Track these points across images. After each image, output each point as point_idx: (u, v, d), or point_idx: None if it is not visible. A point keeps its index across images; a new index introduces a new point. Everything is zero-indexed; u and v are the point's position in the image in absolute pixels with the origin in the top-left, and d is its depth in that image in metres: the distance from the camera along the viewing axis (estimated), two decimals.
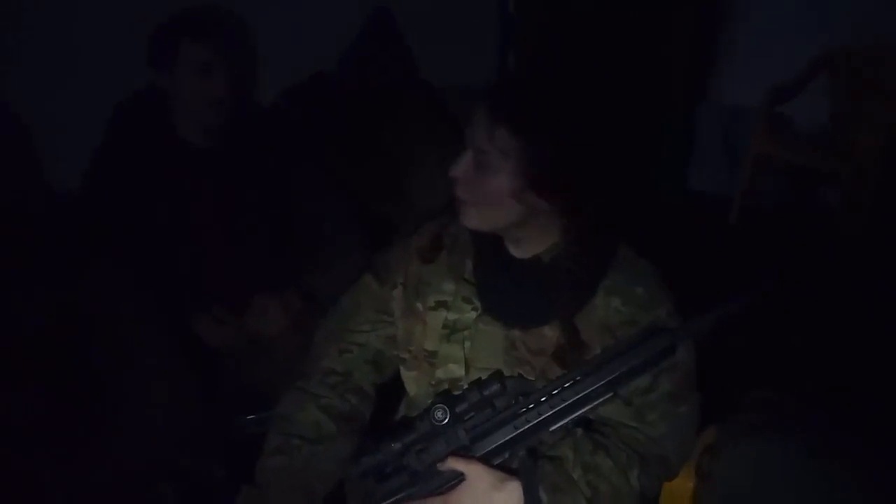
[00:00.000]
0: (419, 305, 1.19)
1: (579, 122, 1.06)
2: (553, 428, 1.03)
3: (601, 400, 1.02)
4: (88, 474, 1.19)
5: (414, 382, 1.22)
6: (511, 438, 1.04)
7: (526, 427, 1.03)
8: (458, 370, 1.16)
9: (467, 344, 1.15)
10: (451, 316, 1.16)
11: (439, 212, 1.30)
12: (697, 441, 1.19)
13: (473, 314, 1.15)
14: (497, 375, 1.07)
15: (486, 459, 1.05)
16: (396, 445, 1.07)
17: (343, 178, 1.92)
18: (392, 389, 1.30)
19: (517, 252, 1.15)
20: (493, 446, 1.04)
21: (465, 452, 1.05)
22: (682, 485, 1.21)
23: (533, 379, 1.10)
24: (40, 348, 1.22)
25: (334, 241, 1.75)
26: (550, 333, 1.11)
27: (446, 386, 1.17)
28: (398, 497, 1.08)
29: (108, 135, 1.68)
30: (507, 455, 1.05)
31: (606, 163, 1.09)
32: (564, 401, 1.02)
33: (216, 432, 1.54)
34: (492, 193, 1.07)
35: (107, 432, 1.22)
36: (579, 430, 1.09)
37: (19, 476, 1.18)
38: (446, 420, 1.05)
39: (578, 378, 1.02)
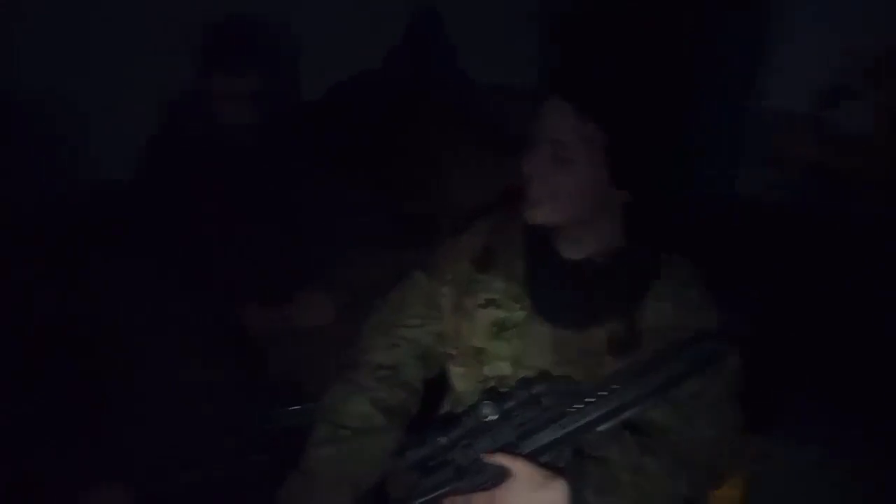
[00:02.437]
0: (468, 303, 1.20)
1: (659, 110, 1.06)
2: (600, 429, 1.03)
3: (648, 403, 1.02)
4: (142, 455, 1.22)
5: (461, 379, 1.23)
6: (558, 438, 1.04)
7: (573, 427, 1.03)
8: (505, 368, 1.17)
9: (515, 342, 1.16)
10: (500, 314, 1.17)
11: (487, 209, 1.32)
12: (745, 448, 1.19)
13: (522, 313, 1.16)
14: (545, 375, 1.08)
15: (532, 457, 1.06)
16: (443, 440, 1.09)
17: (382, 174, 1.94)
18: (435, 385, 1.32)
19: (569, 253, 1.16)
20: (540, 445, 1.05)
21: (511, 449, 1.06)
22: (730, 492, 1.21)
23: (581, 380, 1.11)
24: (92, 336, 1.26)
25: (373, 236, 1.77)
26: (600, 335, 1.12)
27: (493, 383, 1.18)
28: (443, 491, 1.09)
29: (158, 129, 1.74)
30: (553, 454, 1.06)
31: (677, 155, 1.10)
32: (612, 403, 1.02)
33: (259, 420, 1.57)
34: (572, 187, 1.07)
35: (160, 414, 1.25)
36: (627, 433, 1.10)
37: (78, 452, 1.22)
38: (494, 417, 1.06)
39: (626, 380, 1.02)
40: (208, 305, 1.44)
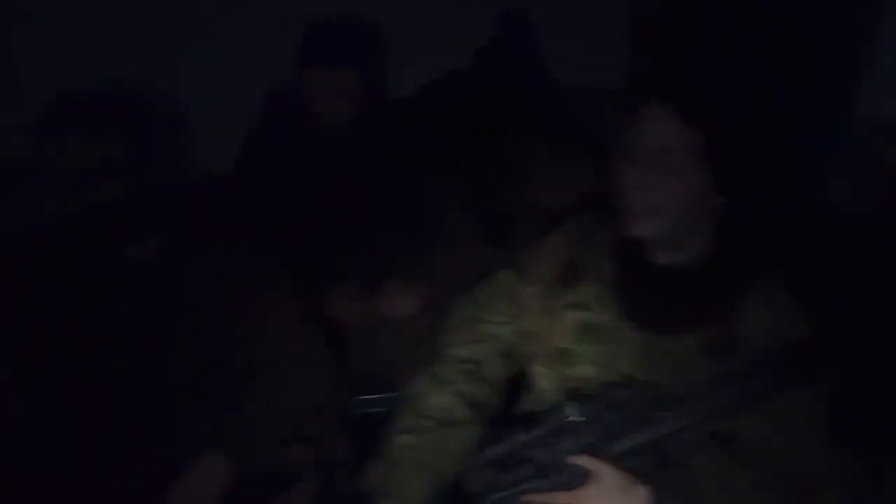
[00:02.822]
0: (555, 304, 1.20)
1: (763, 113, 1.04)
2: (687, 437, 1.02)
3: (739, 413, 1.00)
4: (234, 434, 1.28)
5: (543, 378, 1.23)
6: (642, 444, 1.04)
7: (658, 433, 1.03)
8: (589, 371, 1.16)
9: (601, 345, 1.15)
10: (587, 316, 1.17)
11: (573, 211, 1.31)
12: (841, 465, 1.14)
13: (610, 316, 1.15)
14: (631, 379, 1.07)
15: (615, 462, 1.05)
16: (524, 437, 1.09)
17: (468, 172, 1.96)
18: (516, 383, 1.33)
19: (663, 258, 1.14)
20: (623, 449, 1.04)
21: (594, 452, 1.06)
22: None
23: (668, 385, 1.09)
24: (198, 320, 1.32)
25: (457, 232, 1.79)
26: (691, 341, 1.10)
27: (576, 385, 1.17)
28: (522, 488, 1.10)
29: (259, 120, 1.80)
30: (636, 460, 1.05)
31: (778, 160, 1.07)
32: (700, 410, 1.01)
33: (341, 406, 1.61)
34: (675, 197, 1.05)
35: (253, 394, 1.31)
36: (715, 442, 1.08)
37: (166, 429, 1.29)
38: (578, 418, 1.06)
39: (716, 388, 1.00)
40: (302, 293, 1.48)
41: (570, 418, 1.06)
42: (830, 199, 3.35)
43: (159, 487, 1.22)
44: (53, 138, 1.23)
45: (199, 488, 1.23)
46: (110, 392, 1.30)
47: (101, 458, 1.26)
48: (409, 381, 1.59)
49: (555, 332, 1.20)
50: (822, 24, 2.93)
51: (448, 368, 1.26)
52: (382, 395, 1.67)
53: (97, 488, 1.24)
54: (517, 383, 1.31)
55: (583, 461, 1.04)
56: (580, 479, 1.05)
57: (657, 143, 1.04)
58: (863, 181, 3.28)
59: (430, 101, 2.15)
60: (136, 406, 1.29)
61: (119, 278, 1.31)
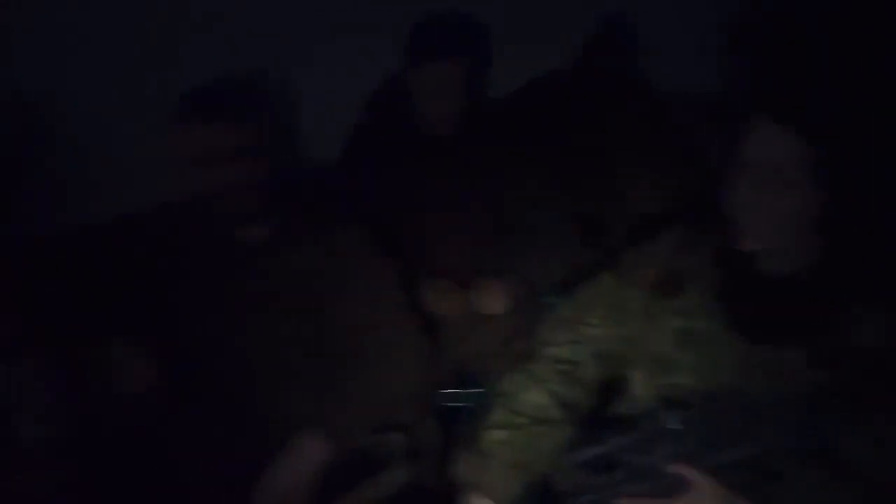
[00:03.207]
0: (657, 309, 1.20)
1: (879, 125, 1.01)
2: (788, 453, 1.00)
3: (844, 431, 0.98)
4: (333, 417, 1.33)
5: (640, 384, 1.22)
6: (741, 456, 1.02)
7: (757, 447, 1.01)
8: (688, 379, 1.15)
9: (702, 353, 1.14)
10: (689, 324, 1.16)
11: (675, 218, 1.30)
12: None
13: (713, 325, 1.14)
14: (731, 389, 1.06)
15: (713, 473, 1.04)
16: (622, 441, 1.09)
17: (563, 173, 1.96)
18: (610, 385, 1.32)
19: (771, 268, 1.12)
20: (723, 461, 1.03)
21: (691, 462, 1.05)
22: None
23: (771, 399, 1.07)
24: (304, 303, 1.38)
25: (551, 232, 1.79)
26: (797, 354, 1.07)
27: (673, 392, 1.16)
28: (615, 492, 1.10)
29: (366, 113, 1.86)
30: (735, 474, 1.04)
31: (891, 170, 1.04)
32: (803, 427, 0.98)
33: (432, 397, 1.64)
34: (789, 212, 1.04)
35: (353, 379, 1.35)
36: (815, 461, 1.05)
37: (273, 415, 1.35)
38: (677, 426, 1.05)
39: (821, 404, 0.98)
40: (403, 284, 1.52)
41: (669, 426, 1.05)
42: None
43: (262, 463, 1.28)
44: (186, 125, 1.30)
45: (299, 464, 1.27)
46: (222, 373, 1.37)
47: (212, 433, 1.33)
48: (493, 377, 1.61)
49: (654, 337, 1.19)
50: None
51: (544, 367, 1.27)
52: (467, 390, 1.70)
53: (210, 460, 1.31)
54: (610, 386, 1.31)
55: (682, 470, 1.03)
56: (679, 487, 1.04)
57: (770, 158, 1.03)
58: None
59: (531, 101, 2.15)
60: (243, 386, 1.36)
61: (234, 263, 1.38)
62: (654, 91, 2.37)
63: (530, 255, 1.79)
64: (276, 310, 1.37)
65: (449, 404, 1.69)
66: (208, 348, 1.38)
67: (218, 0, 1.77)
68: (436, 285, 1.74)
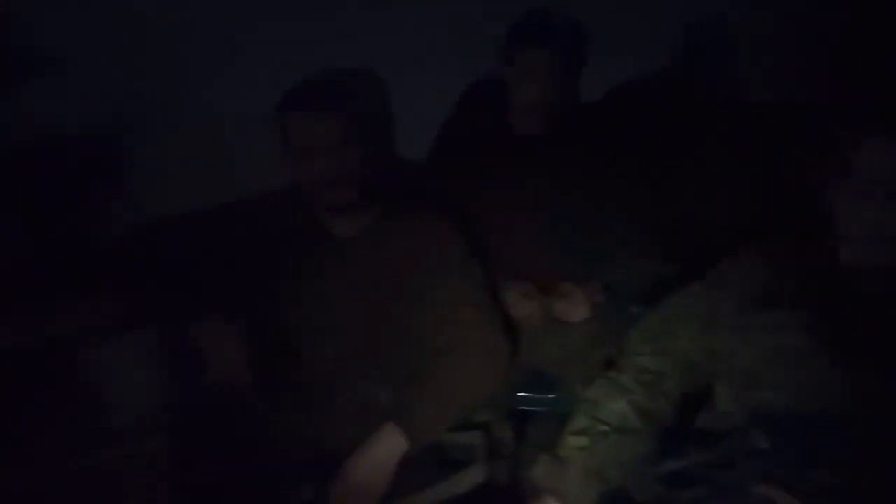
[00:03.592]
0: (748, 323, 1.17)
1: None
2: (880, 481, 0.96)
3: None
4: (414, 413, 1.35)
5: (726, 399, 1.20)
6: (835, 483, 0.99)
7: (850, 473, 0.97)
8: (776, 396, 1.12)
9: (793, 372, 1.11)
10: (781, 340, 1.13)
11: (766, 228, 1.27)
12: None
13: (807, 342, 1.10)
14: (826, 411, 1.02)
15: (801, 497, 1.01)
16: (706, 456, 1.07)
17: (652, 181, 1.93)
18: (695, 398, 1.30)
19: (873, 286, 1.08)
20: (814, 487, 1.00)
21: (781, 484, 1.02)
22: None
23: (870, 424, 1.03)
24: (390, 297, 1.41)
25: (637, 240, 1.77)
26: (893, 378, 1.03)
27: (760, 409, 1.13)
28: None
29: (452, 114, 1.88)
30: (824, 499, 1.01)
31: None
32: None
33: (508, 399, 1.64)
34: None
35: (434, 375, 1.37)
36: None
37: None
38: (763, 445, 1.02)
39: None
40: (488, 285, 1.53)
41: (758, 445, 1.03)
42: None
43: (343, 453, 1.31)
44: (291, 115, 1.37)
45: (379, 456, 1.30)
46: (311, 362, 1.41)
47: (296, 420, 1.38)
48: (568, 383, 1.60)
49: (743, 352, 1.17)
50: None
51: (628, 377, 1.25)
52: (540, 395, 1.69)
53: (292, 448, 1.36)
54: (694, 400, 1.29)
55: (773, 494, 1.01)
56: None
57: (881, 173, 1.00)
58: None
59: (622, 106, 2.13)
60: (330, 376, 1.40)
61: (329, 253, 1.43)
62: (752, 100, 2.31)
63: (615, 262, 1.77)
64: (366, 301, 1.40)
65: (522, 408, 1.69)
66: (298, 336, 1.42)
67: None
68: (517, 287, 1.74)
